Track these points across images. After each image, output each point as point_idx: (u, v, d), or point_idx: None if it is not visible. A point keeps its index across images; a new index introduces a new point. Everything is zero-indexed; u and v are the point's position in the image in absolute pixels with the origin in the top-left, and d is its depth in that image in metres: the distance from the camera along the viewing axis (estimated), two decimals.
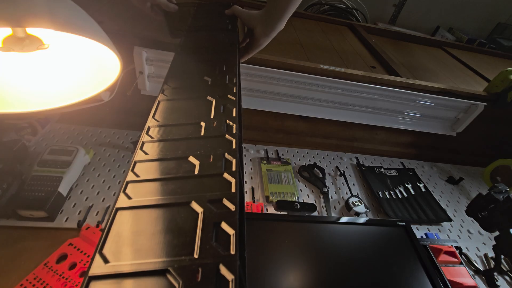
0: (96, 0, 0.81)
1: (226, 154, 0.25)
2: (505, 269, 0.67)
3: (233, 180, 0.23)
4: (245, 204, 0.67)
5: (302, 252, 0.57)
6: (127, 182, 0.23)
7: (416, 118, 0.90)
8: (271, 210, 0.68)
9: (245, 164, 0.80)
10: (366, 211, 0.72)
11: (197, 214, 0.20)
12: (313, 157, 0.89)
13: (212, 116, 0.30)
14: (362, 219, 0.66)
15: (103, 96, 0.69)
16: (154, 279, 0.16)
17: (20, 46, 0.38)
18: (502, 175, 0.93)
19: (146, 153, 0.26)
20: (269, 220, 0.61)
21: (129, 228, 0.19)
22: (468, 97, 0.84)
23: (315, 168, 0.83)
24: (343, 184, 0.81)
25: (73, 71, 0.47)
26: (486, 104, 0.85)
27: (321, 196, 0.75)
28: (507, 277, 0.66)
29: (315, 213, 0.70)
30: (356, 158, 0.92)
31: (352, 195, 0.76)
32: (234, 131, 0.28)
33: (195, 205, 0.21)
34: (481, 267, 0.67)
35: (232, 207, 0.20)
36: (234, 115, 0.30)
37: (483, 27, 1.81)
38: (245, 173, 0.77)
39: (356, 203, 0.73)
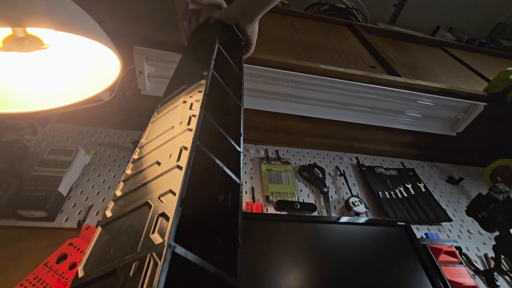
0: (96, 0, 0.81)
1: (182, 147, 0.25)
2: (505, 269, 0.67)
3: (182, 168, 0.23)
4: (245, 204, 0.67)
5: (302, 252, 0.57)
6: (111, 201, 0.25)
7: (416, 118, 0.90)
8: (271, 210, 0.68)
9: (245, 164, 0.80)
10: (366, 211, 0.72)
11: (149, 211, 0.21)
12: (313, 157, 0.89)
13: (180, 116, 0.30)
14: (362, 219, 0.66)
15: (103, 96, 0.69)
16: (105, 282, 0.18)
17: (20, 46, 0.38)
18: (502, 175, 0.93)
19: (127, 174, 0.27)
20: (269, 220, 0.61)
21: (100, 241, 0.21)
22: (468, 97, 0.85)
23: (315, 168, 0.83)
24: (343, 184, 0.81)
25: (73, 71, 0.47)
26: (486, 104, 0.85)
27: (321, 196, 0.75)
28: (507, 277, 0.66)
29: (315, 213, 0.70)
30: (356, 158, 0.92)
31: (352, 195, 0.76)
32: (192, 123, 0.28)
33: (149, 203, 0.21)
34: (481, 267, 0.67)
35: (176, 193, 0.20)
36: (198, 108, 0.30)
37: (483, 27, 1.81)
38: (245, 173, 0.77)
39: (356, 203, 0.73)
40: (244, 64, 0.70)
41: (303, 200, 0.73)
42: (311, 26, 1.11)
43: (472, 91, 0.85)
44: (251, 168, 0.79)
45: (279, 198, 0.70)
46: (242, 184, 0.30)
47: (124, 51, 0.65)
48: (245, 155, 0.82)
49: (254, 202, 0.69)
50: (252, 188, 0.73)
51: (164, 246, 0.17)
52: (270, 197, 0.70)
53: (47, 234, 0.54)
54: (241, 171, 0.32)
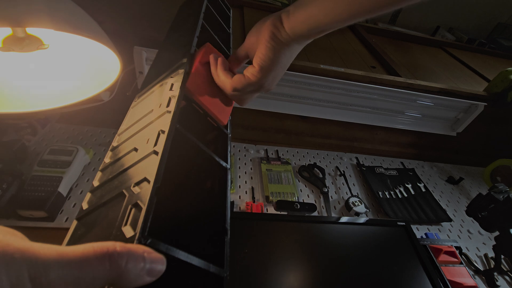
0: (96, 0, 0.81)
1: (160, 131, 0.23)
2: (505, 269, 0.67)
3: (158, 154, 0.21)
4: (245, 204, 0.67)
5: (302, 252, 0.57)
6: (88, 192, 0.23)
7: (416, 118, 0.90)
8: (271, 210, 0.68)
9: (245, 164, 0.80)
10: (366, 211, 0.72)
11: (123, 201, 0.19)
12: (313, 157, 0.89)
13: (160, 98, 0.28)
14: (362, 219, 0.66)
15: (103, 96, 0.69)
16: None
17: (20, 46, 0.38)
18: (502, 175, 0.93)
19: (105, 162, 0.25)
20: (269, 220, 0.61)
21: (76, 236, 0.19)
22: (468, 97, 0.84)
23: (315, 168, 0.83)
24: (343, 184, 0.81)
25: (73, 71, 0.47)
26: (486, 104, 0.85)
27: (321, 196, 0.75)
28: (507, 277, 0.66)
29: (315, 213, 0.70)
30: (356, 158, 0.92)
31: (352, 195, 0.76)
32: (171, 105, 0.25)
33: (124, 193, 0.20)
34: (481, 267, 0.67)
35: (151, 181, 0.19)
36: (178, 89, 0.27)
37: (483, 27, 1.81)
38: (245, 173, 0.77)
39: (356, 203, 0.73)
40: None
41: (303, 200, 0.73)
42: None
43: (472, 91, 0.85)
44: (251, 168, 0.79)
45: (279, 198, 0.70)
46: (229, 168, 0.28)
47: (124, 51, 0.65)
48: (245, 155, 0.82)
49: (254, 202, 0.69)
50: (252, 188, 0.73)
51: (135, 239, 0.15)
52: (270, 197, 0.70)
53: (47, 234, 0.54)
54: (229, 154, 0.29)
